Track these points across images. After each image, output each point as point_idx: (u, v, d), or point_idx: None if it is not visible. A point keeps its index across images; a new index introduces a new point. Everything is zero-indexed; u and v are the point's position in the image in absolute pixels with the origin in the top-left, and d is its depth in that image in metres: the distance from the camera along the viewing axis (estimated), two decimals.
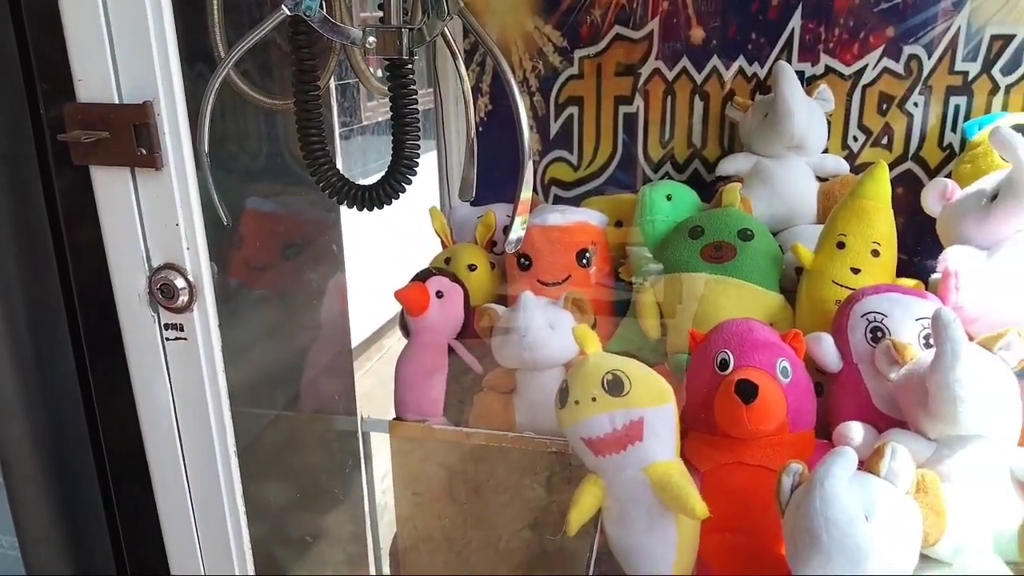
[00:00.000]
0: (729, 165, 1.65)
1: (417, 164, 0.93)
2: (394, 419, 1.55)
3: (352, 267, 1.71)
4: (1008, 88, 1.54)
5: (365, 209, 0.96)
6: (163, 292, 0.87)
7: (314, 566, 1.66)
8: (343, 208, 0.98)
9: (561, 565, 1.52)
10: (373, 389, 1.58)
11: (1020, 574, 0.99)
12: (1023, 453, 1.05)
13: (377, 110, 8.00)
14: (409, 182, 0.94)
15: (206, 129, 0.84)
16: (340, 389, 1.74)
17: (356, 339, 1.80)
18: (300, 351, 1.61)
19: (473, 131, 1.02)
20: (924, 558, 1.01)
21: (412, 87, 0.91)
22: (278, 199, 1.50)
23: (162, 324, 0.90)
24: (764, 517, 1.06)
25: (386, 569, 1.74)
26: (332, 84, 1.32)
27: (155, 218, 0.86)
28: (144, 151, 0.82)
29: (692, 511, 1.06)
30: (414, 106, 0.91)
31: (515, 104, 0.82)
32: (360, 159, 7.54)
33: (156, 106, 0.81)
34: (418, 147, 0.93)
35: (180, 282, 0.87)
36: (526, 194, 0.85)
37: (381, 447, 1.61)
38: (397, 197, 0.95)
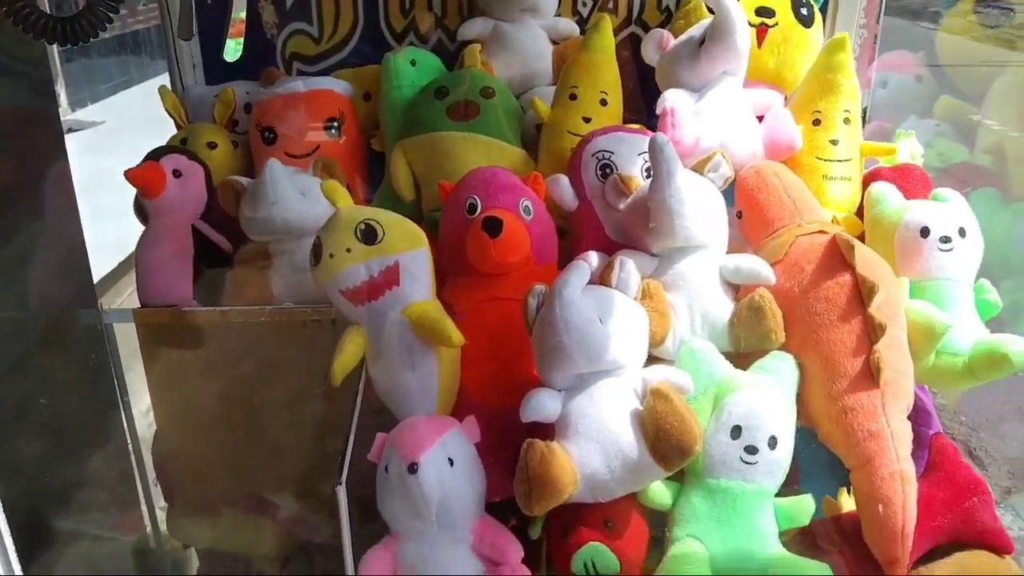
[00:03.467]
0: (468, 30, 1.67)
1: None
2: (140, 308, 1.45)
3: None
4: None
5: (69, 44, 0.87)
6: None
7: (76, 501, 1.54)
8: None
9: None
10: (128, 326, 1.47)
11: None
12: (730, 258, 1.20)
13: None
14: (115, 10, 0.86)
15: None
16: (76, 286, 1.60)
17: (99, 274, 1.63)
18: (22, 248, 1.45)
19: None
20: (652, 359, 1.13)
21: None
22: None
23: None
24: (518, 343, 1.14)
25: (151, 474, 1.66)
26: None
27: None
28: None
29: (449, 340, 1.11)
30: None
31: None
32: (87, 82, 6.71)
33: None
34: None
35: None
36: (240, 12, 0.81)
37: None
38: (104, 29, 0.87)
